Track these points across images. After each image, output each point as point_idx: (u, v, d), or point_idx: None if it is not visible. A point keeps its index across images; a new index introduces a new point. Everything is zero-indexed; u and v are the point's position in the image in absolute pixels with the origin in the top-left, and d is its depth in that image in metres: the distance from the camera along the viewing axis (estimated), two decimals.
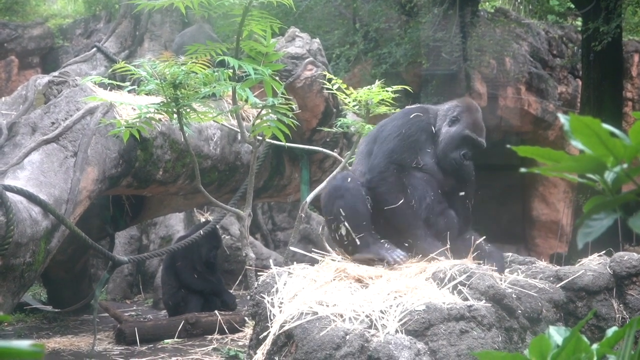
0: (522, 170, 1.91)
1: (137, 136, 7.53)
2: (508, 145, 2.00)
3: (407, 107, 6.26)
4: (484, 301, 4.71)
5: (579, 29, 18.07)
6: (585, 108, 16.04)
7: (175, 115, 7.03)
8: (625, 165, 1.81)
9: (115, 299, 14.35)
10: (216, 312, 10.64)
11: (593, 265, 5.53)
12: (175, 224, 15.16)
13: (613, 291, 5.36)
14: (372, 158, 5.80)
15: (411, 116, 5.91)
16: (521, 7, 21.76)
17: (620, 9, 15.17)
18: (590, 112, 14.92)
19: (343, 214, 5.58)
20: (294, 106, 7.58)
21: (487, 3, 21.76)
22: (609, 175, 1.83)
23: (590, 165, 1.82)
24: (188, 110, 7.08)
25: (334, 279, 5.13)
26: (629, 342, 2.02)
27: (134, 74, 7.07)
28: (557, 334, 2.18)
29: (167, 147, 9.74)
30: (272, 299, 5.02)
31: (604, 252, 5.91)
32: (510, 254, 6.18)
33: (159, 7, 6.48)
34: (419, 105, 6.32)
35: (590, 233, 1.84)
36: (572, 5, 19.55)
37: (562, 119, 1.76)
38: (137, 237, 15.45)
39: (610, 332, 2.15)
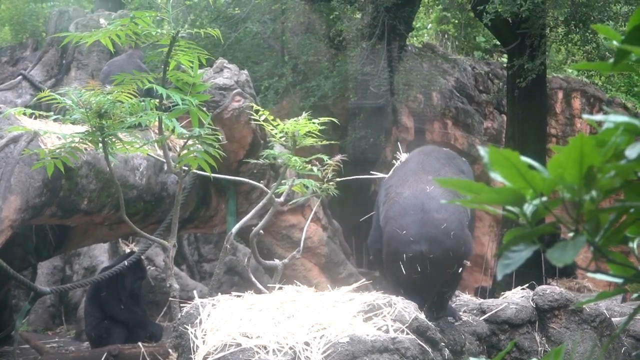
0: (443, 202, 1.92)
1: (62, 168, 7.33)
2: (430, 178, 2.01)
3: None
4: (407, 333, 4.72)
5: (505, 65, 18.36)
6: (510, 143, 16.29)
7: (100, 145, 6.96)
8: (544, 198, 1.83)
9: (36, 330, 14.12)
10: (139, 343, 10.49)
11: (516, 299, 5.59)
12: (99, 254, 14.98)
13: (536, 324, 5.43)
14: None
15: None
16: (448, 43, 22.10)
17: (544, 46, 15.48)
18: (515, 148, 14.90)
19: None
20: (220, 137, 7.55)
21: (415, 38, 22.03)
22: (528, 208, 1.85)
23: (509, 198, 1.84)
24: (114, 139, 7.00)
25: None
26: None
27: (59, 103, 6.98)
28: None
29: (92, 176, 9.63)
30: (195, 330, 4.98)
31: (527, 285, 5.99)
32: None
33: (86, 39, 6.41)
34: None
35: (509, 265, 1.85)
36: (498, 42, 19.90)
37: (481, 151, 1.78)
38: (60, 268, 15.24)
39: None
